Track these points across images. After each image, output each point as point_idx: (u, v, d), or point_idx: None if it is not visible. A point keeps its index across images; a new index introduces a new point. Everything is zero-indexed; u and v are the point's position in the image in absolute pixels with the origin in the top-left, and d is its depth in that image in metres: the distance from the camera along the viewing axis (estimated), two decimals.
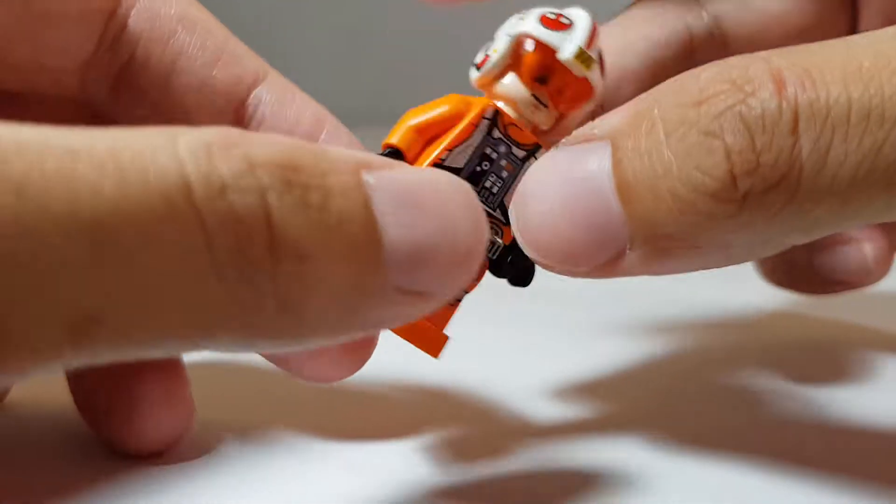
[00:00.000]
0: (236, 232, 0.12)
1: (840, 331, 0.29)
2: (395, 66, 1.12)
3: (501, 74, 0.19)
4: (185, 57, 0.19)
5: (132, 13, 0.19)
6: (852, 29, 0.23)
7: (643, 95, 0.16)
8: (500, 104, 0.19)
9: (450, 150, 0.18)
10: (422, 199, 0.14)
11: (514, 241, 0.18)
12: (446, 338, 0.19)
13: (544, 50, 0.19)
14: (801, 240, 0.16)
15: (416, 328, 0.18)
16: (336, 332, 0.14)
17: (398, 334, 0.18)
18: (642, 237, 0.16)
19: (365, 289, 0.14)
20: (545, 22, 0.19)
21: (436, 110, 0.19)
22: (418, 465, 0.20)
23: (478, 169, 0.19)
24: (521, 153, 0.19)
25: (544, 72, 0.19)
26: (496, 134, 0.19)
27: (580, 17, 0.19)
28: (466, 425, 0.22)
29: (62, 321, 0.11)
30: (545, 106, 0.19)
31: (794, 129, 0.14)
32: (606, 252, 0.16)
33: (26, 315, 0.11)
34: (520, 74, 0.19)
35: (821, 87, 0.14)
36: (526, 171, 0.18)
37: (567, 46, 0.18)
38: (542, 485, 0.19)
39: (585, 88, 0.19)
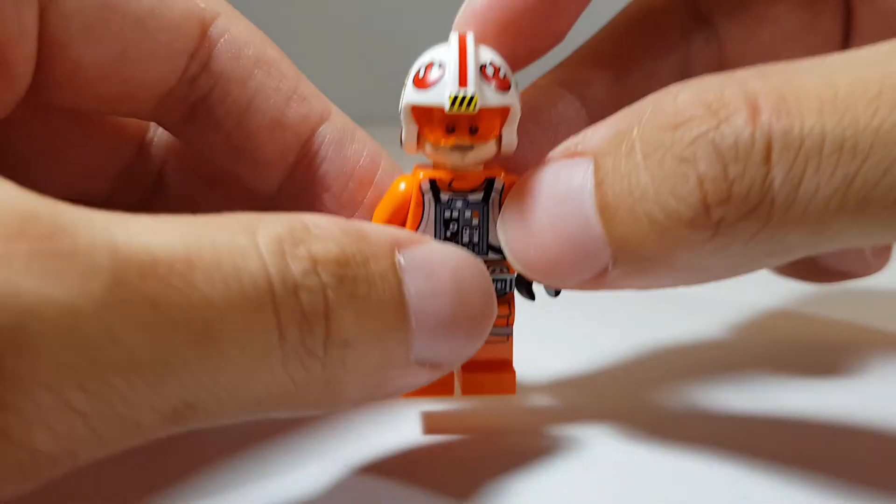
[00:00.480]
0: (301, 327, 0.15)
1: (843, 330, 0.29)
2: (396, 66, 1.12)
3: (420, 142, 0.19)
4: (260, 97, 0.21)
5: (214, 52, 0.21)
6: (846, 30, 0.23)
7: (627, 110, 0.16)
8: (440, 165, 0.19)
9: None
10: (443, 278, 0.17)
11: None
12: (514, 372, 0.20)
13: (429, 112, 0.19)
14: (777, 262, 0.16)
15: (486, 382, 0.20)
16: (362, 401, 0.17)
17: (471, 393, 0.20)
18: (623, 258, 0.16)
19: (391, 365, 0.16)
20: (417, 83, 0.19)
21: (390, 201, 0.20)
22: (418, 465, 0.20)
23: (448, 235, 0.19)
24: (477, 196, 0.19)
25: (448, 124, 0.19)
26: (444, 197, 0.19)
27: (449, 55, 0.19)
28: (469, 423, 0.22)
29: (166, 408, 0.13)
30: (472, 146, 0.19)
31: (767, 160, 0.14)
32: (591, 269, 0.17)
33: (140, 404, 0.13)
34: (430, 138, 0.19)
35: (795, 116, 0.14)
36: (493, 205, 0.19)
37: (445, 101, 0.18)
38: (542, 484, 0.19)
39: (492, 114, 0.19)
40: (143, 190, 0.24)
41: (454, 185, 0.19)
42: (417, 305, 0.16)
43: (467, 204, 0.19)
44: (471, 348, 0.18)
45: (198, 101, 0.21)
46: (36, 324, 0.12)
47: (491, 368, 0.20)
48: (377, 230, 0.17)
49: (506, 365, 0.20)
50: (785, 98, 0.14)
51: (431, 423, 0.21)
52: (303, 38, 1.16)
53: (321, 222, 0.16)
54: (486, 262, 0.19)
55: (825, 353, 0.26)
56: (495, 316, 0.18)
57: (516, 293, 0.21)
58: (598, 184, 0.16)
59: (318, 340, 0.15)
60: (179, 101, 0.21)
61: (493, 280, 0.19)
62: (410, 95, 0.19)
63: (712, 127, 0.15)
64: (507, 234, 0.18)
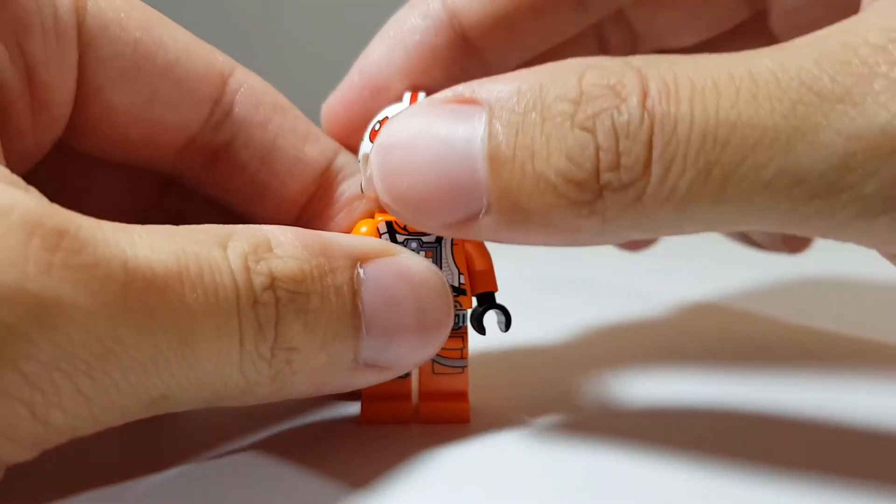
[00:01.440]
0: (256, 336, 0.17)
1: (835, 338, 0.29)
2: None
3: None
4: (281, 138, 0.23)
5: (235, 101, 0.22)
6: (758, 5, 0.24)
7: (527, 73, 0.17)
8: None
9: None
10: (400, 290, 0.19)
11: (484, 296, 0.21)
12: (468, 402, 0.21)
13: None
14: (641, 236, 0.17)
15: (442, 411, 0.21)
16: (309, 394, 0.19)
17: (428, 422, 0.21)
18: (500, 207, 0.17)
19: (337, 367, 0.18)
20: (371, 137, 0.21)
21: None
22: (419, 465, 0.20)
23: None
24: (431, 238, 0.21)
25: None
26: (399, 238, 0.21)
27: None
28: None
29: (146, 398, 0.16)
30: None
31: (650, 140, 0.16)
32: (461, 212, 0.18)
33: (129, 393, 0.15)
34: None
35: (674, 101, 0.16)
36: (445, 245, 0.21)
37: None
38: (541, 484, 0.19)
39: None
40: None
41: (409, 227, 0.21)
42: (371, 315, 0.18)
43: (421, 245, 0.21)
44: (422, 355, 0.19)
45: (221, 147, 0.22)
46: (66, 323, 0.14)
47: (447, 399, 0.21)
48: (343, 243, 0.18)
49: (461, 395, 0.22)
50: (668, 85, 0.16)
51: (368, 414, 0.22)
52: (303, 39, 1.16)
53: (284, 238, 0.18)
54: None
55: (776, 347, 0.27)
56: (451, 325, 0.20)
57: (469, 328, 0.22)
58: (492, 133, 0.17)
59: (267, 346, 0.17)
60: (203, 147, 0.22)
61: None
62: (366, 147, 0.21)
63: (613, 105, 0.16)
64: (382, 163, 0.18)
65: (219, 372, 0.16)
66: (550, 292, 0.37)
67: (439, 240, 0.21)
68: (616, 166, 0.16)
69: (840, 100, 0.15)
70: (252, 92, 0.22)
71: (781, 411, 0.23)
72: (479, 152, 0.17)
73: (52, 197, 0.16)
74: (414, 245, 0.21)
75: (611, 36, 0.25)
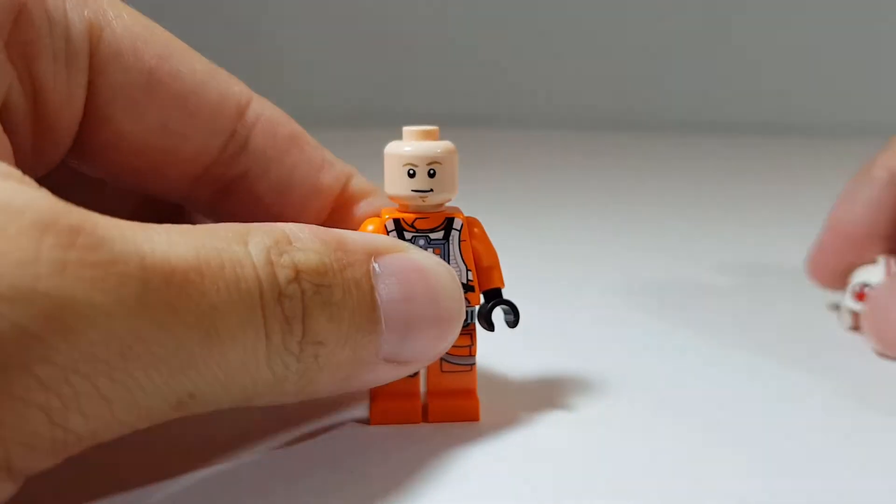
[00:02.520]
0: (283, 329, 0.17)
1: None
2: (396, 66, 1.12)
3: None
4: (298, 170, 0.23)
5: (252, 133, 0.22)
6: None
7: None
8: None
9: None
10: (414, 284, 0.19)
11: (491, 293, 0.21)
12: (478, 400, 0.22)
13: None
14: None
15: (452, 409, 0.21)
16: (331, 393, 0.19)
17: (439, 421, 0.21)
18: None
19: (360, 362, 0.18)
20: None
21: None
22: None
23: None
24: (439, 235, 0.21)
25: (409, 166, 0.21)
26: (408, 235, 0.21)
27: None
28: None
29: (173, 398, 0.15)
30: (430, 190, 0.21)
31: None
32: None
33: (154, 393, 0.15)
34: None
35: None
36: (453, 242, 0.21)
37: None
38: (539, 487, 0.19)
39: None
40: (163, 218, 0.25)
41: (418, 223, 0.21)
42: (388, 309, 0.18)
43: (429, 241, 0.21)
44: (438, 349, 0.20)
45: (236, 179, 0.22)
46: (82, 323, 0.14)
47: (456, 397, 0.21)
48: (357, 239, 0.19)
49: (470, 393, 0.22)
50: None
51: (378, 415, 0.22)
52: (303, 38, 1.16)
53: (302, 234, 0.18)
54: None
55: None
56: (462, 319, 0.20)
57: (477, 325, 0.22)
58: None
59: (294, 340, 0.17)
60: (217, 178, 0.22)
61: None
62: (847, 300, 0.28)
63: None
64: (870, 325, 0.25)
65: (246, 368, 0.16)
66: (558, 290, 0.36)
67: (447, 237, 0.21)
68: None
69: None
70: (269, 124, 0.22)
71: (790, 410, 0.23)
72: None
73: None
74: (422, 242, 0.21)
75: None
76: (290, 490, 0.18)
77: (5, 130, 0.18)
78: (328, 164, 0.23)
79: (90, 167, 0.22)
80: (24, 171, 0.20)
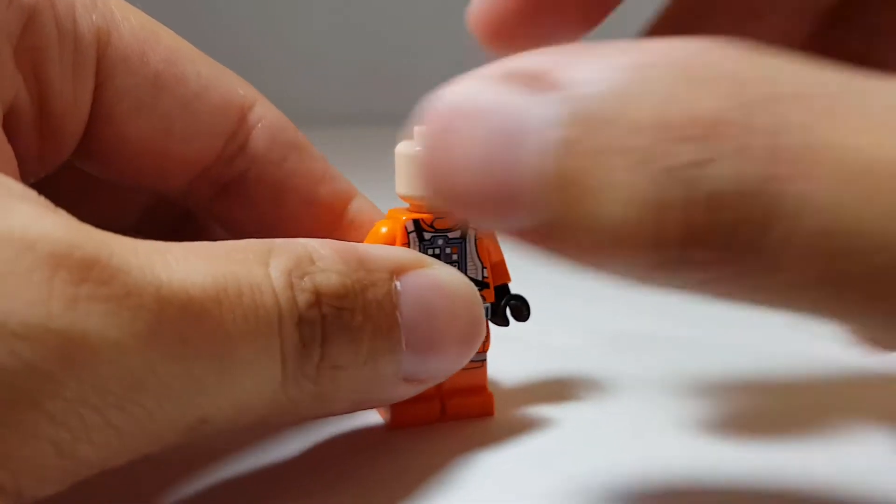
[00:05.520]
0: (300, 353, 0.16)
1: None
2: (396, 66, 1.12)
3: None
4: (295, 177, 0.22)
5: (251, 137, 0.22)
6: None
7: (619, 65, 0.13)
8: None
9: None
10: (435, 303, 0.18)
11: (499, 288, 0.22)
12: (492, 395, 0.22)
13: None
14: (713, 301, 0.13)
15: (467, 406, 0.22)
16: (349, 411, 0.19)
17: (456, 419, 0.21)
18: (561, 235, 0.13)
19: (380, 382, 0.18)
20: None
21: (374, 242, 0.21)
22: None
23: None
24: (456, 234, 0.21)
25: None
26: (427, 235, 0.21)
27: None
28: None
29: (183, 424, 0.15)
30: None
31: (757, 220, 0.12)
32: (514, 222, 0.14)
33: (164, 421, 0.15)
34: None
35: (801, 182, 0.12)
36: (469, 240, 0.21)
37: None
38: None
39: None
40: (172, 222, 0.25)
41: (437, 223, 0.21)
42: (409, 328, 0.18)
43: (447, 241, 0.21)
44: (457, 366, 0.19)
45: (232, 181, 0.22)
46: (93, 359, 0.14)
47: (470, 394, 0.22)
48: (378, 255, 0.18)
49: (482, 389, 0.22)
50: (798, 162, 0.12)
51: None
52: (304, 39, 1.16)
53: (324, 251, 0.17)
54: None
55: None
56: (482, 337, 0.20)
57: (490, 322, 0.22)
58: (571, 142, 0.13)
59: (312, 365, 0.17)
60: (214, 180, 0.22)
61: None
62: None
63: (711, 158, 0.12)
64: (429, 147, 0.14)
65: (260, 393, 0.16)
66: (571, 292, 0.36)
67: (464, 235, 0.21)
68: (705, 238, 0.12)
69: None
70: (269, 128, 0.22)
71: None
72: (544, 163, 0.13)
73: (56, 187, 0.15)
74: (440, 241, 0.21)
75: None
76: (313, 495, 0.18)
77: (11, 135, 0.18)
78: (329, 177, 0.23)
79: (91, 166, 0.22)
80: (29, 175, 0.20)
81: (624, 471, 0.19)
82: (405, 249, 0.20)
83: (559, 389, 0.24)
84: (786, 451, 0.20)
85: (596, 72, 0.13)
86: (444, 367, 0.19)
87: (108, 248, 0.15)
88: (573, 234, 0.13)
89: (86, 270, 0.14)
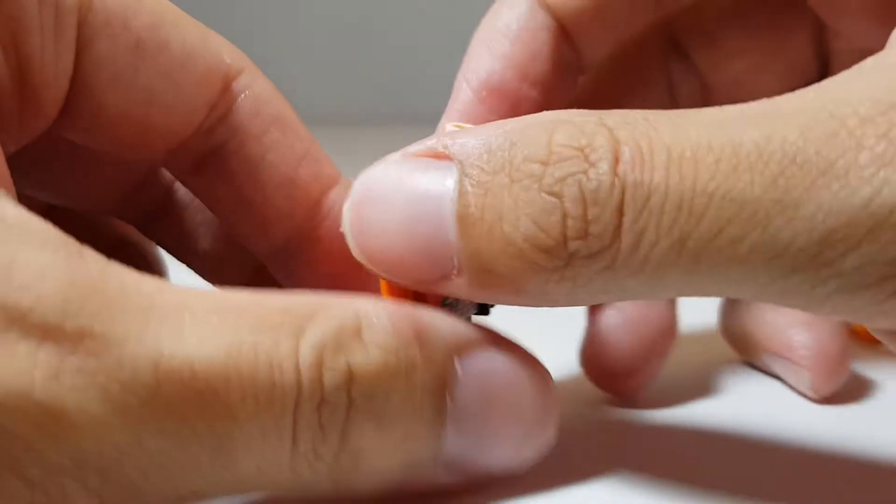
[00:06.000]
0: (314, 438, 0.15)
1: None
2: (396, 66, 1.12)
3: None
4: (274, 153, 0.21)
5: (233, 108, 0.21)
6: (822, 56, 0.23)
7: (499, 127, 0.16)
8: None
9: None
10: (499, 390, 0.17)
11: None
12: None
13: None
14: (613, 300, 0.17)
15: None
16: (382, 494, 0.17)
17: None
18: (471, 269, 0.16)
19: (412, 467, 0.16)
20: None
21: None
22: None
23: None
24: None
25: None
26: None
27: None
28: None
29: (173, 496, 0.14)
30: None
31: (620, 208, 0.15)
32: (435, 272, 0.17)
33: (151, 492, 0.14)
34: None
35: (647, 169, 0.15)
36: None
37: None
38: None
39: None
40: (154, 202, 0.25)
41: None
42: (461, 415, 0.16)
43: None
44: (515, 461, 0.17)
45: (211, 152, 0.21)
46: (73, 433, 0.13)
47: None
48: (441, 329, 0.16)
49: None
50: (642, 150, 0.15)
51: None
52: (304, 39, 1.16)
53: (377, 320, 0.16)
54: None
55: None
56: (555, 426, 0.18)
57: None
58: (462, 193, 0.16)
59: (329, 450, 0.15)
60: (193, 150, 0.21)
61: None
62: None
63: (582, 170, 0.15)
64: (354, 221, 0.17)
65: (262, 473, 0.15)
66: None
67: None
68: (584, 234, 0.15)
69: (823, 173, 0.14)
70: (254, 100, 0.21)
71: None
72: (450, 212, 0.16)
73: (36, 178, 0.15)
74: None
75: (682, 86, 0.24)
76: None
77: None
78: (312, 159, 0.22)
79: (72, 134, 0.21)
80: (10, 142, 0.19)
81: (617, 478, 0.19)
82: (473, 326, 0.17)
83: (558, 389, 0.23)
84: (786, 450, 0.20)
85: (479, 138, 0.16)
86: (498, 460, 0.17)
87: (109, 311, 0.14)
88: (486, 262, 0.16)
89: (76, 342, 0.13)
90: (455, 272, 0.16)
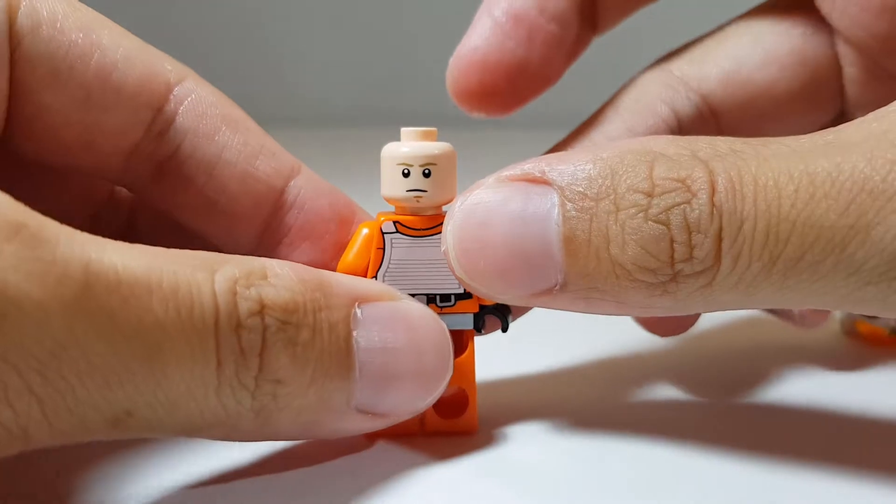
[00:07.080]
0: (237, 361, 0.16)
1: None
2: (396, 66, 1.12)
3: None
4: (229, 151, 0.22)
5: (180, 110, 0.22)
6: (839, 94, 0.25)
7: (595, 155, 0.18)
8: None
9: (374, 277, 0.20)
10: (397, 335, 0.18)
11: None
12: (475, 410, 0.21)
13: None
14: (708, 311, 0.19)
15: (448, 422, 0.21)
16: (296, 437, 0.19)
17: (435, 434, 0.21)
18: (576, 286, 0.18)
19: (328, 409, 0.18)
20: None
21: (354, 246, 0.21)
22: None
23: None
24: (436, 238, 0.20)
25: (404, 165, 0.20)
26: (406, 238, 0.20)
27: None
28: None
29: (109, 412, 0.15)
30: (425, 191, 0.20)
31: (719, 234, 0.17)
32: (537, 287, 0.19)
33: (87, 403, 0.15)
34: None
35: (738, 199, 0.17)
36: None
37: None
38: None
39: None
40: (113, 234, 0.24)
41: (414, 225, 0.21)
42: (366, 358, 0.18)
43: (431, 244, 0.21)
44: (418, 405, 0.19)
45: (166, 159, 0.22)
46: (15, 312, 0.14)
47: (453, 409, 0.21)
48: (343, 282, 0.18)
49: (466, 405, 0.21)
50: (733, 181, 0.17)
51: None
52: (304, 39, 1.16)
53: (282, 270, 0.17)
54: (442, 296, 0.21)
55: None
56: (448, 376, 0.19)
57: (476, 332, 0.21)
58: (566, 217, 0.18)
59: (250, 374, 0.16)
60: (147, 158, 0.22)
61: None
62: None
63: (685, 200, 0.17)
64: (458, 243, 0.19)
65: (192, 395, 0.16)
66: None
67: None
68: (689, 257, 0.17)
69: (889, 199, 0.16)
70: (199, 103, 0.22)
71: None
72: (555, 234, 0.18)
73: None
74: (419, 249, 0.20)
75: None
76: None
77: None
78: (268, 151, 0.22)
79: (20, 145, 0.21)
80: None
81: (610, 486, 0.19)
82: (376, 282, 0.20)
83: (545, 405, 0.23)
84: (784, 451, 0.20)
85: (576, 164, 0.18)
86: (402, 402, 0.19)
87: (35, 219, 0.15)
88: (593, 281, 0.18)
89: (13, 232, 0.14)
90: (558, 288, 0.18)
